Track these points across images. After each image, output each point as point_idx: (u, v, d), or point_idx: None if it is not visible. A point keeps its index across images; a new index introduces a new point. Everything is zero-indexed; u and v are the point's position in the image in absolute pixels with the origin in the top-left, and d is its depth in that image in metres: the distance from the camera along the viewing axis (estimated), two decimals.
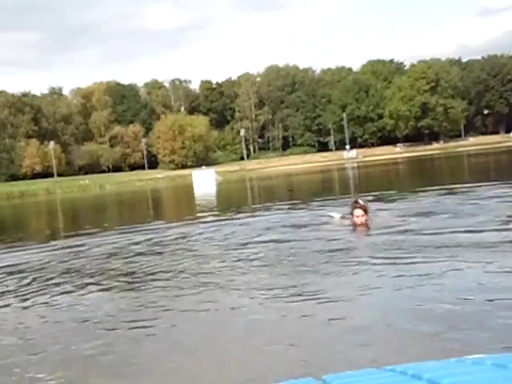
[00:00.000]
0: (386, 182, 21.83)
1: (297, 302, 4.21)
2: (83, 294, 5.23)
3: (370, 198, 11.29)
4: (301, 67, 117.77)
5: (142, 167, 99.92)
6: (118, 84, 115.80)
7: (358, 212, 7.29)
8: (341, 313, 3.85)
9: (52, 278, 6.17)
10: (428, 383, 1.23)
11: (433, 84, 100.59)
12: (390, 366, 1.46)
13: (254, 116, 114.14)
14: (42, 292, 5.48)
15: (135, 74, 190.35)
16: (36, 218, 24.04)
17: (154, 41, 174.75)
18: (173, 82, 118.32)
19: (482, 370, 1.30)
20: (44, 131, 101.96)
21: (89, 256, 7.66)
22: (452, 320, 3.44)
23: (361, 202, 7.44)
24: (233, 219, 10.83)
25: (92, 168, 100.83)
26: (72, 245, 9.07)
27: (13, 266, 7.46)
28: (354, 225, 7.39)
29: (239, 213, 12.50)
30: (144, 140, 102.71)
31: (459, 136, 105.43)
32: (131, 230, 10.62)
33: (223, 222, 10.38)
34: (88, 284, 5.68)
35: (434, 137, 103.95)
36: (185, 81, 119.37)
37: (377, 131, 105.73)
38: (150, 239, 8.82)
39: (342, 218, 7.94)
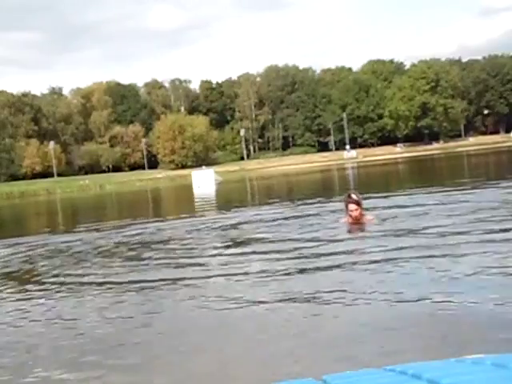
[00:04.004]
0: (386, 182, 21.83)
1: (289, 301, 4.22)
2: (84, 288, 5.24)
3: (368, 196, 11.30)
4: (301, 67, 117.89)
5: (142, 167, 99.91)
6: (118, 84, 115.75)
7: (352, 206, 7.46)
8: (338, 316, 3.85)
9: (48, 271, 6.18)
10: (428, 383, 1.22)
11: (433, 84, 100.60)
12: (390, 366, 1.45)
13: (254, 116, 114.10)
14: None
15: (135, 74, 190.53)
16: (36, 217, 24.02)
17: (155, 41, 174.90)
18: (173, 81, 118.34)
19: (482, 370, 1.30)
20: (44, 131, 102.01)
21: (89, 251, 7.67)
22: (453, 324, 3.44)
23: (353, 196, 7.58)
24: (231, 218, 10.82)
25: (92, 168, 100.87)
26: (73, 240, 9.09)
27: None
28: (350, 218, 7.54)
29: (238, 212, 12.50)
30: (144, 140, 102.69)
31: (459, 136, 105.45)
32: (128, 228, 10.61)
33: (221, 222, 10.37)
34: (88, 278, 5.69)
35: (434, 137, 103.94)
36: (185, 81, 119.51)
37: (377, 131, 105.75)
38: (147, 237, 8.82)
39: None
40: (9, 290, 5.77)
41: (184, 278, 5.35)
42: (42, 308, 4.83)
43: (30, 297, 5.34)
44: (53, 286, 5.63)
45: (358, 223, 7.50)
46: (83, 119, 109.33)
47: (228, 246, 7.32)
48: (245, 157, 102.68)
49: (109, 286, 5.39)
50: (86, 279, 5.88)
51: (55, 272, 6.48)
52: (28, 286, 5.84)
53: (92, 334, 3.90)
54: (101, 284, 5.51)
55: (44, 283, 5.88)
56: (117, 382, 3.07)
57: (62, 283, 5.76)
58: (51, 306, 4.83)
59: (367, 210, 8.29)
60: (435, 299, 3.81)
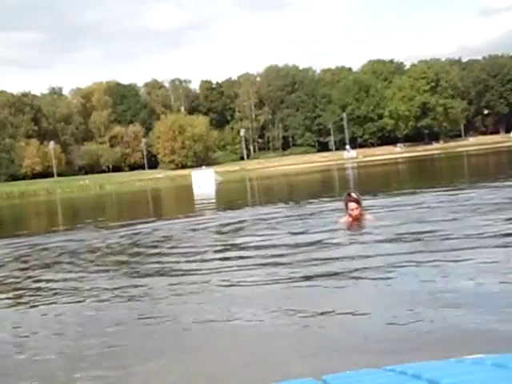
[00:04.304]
0: (386, 182, 21.78)
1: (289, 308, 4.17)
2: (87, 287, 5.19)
3: (368, 197, 11.26)
4: (301, 67, 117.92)
5: (142, 167, 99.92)
6: (118, 84, 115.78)
7: (352, 205, 7.50)
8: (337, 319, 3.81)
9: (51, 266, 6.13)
10: (428, 383, 1.22)
11: (433, 84, 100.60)
12: (390, 365, 1.45)
13: (254, 116, 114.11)
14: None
15: (135, 74, 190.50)
16: (35, 217, 23.99)
17: (155, 41, 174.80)
18: (173, 81, 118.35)
19: (482, 370, 1.30)
20: (44, 131, 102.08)
21: (82, 252, 7.63)
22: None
23: (353, 195, 7.65)
24: (230, 219, 10.77)
25: (92, 168, 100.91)
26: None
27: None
28: (349, 217, 7.56)
29: (237, 212, 12.45)
30: (144, 140, 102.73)
31: (459, 136, 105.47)
32: (126, 228, 10.56)
33: (221, 222, 10.33)
34: (89, 276, 5.63)
35: (434, 137, 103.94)
36: (185, 81, 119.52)
37: (377, 131, 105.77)
38: (144, 238, 8.78)
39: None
40: None
41: (178, 282, 5.28)
42: (30, 314, 4.73)
43: (15, 302, 5.27)
44: (36, 292, 5.53)
45: (357, 222, 7.48)
46: (83, 119, 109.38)
47: (225, 249, 7.26)
48: (245, 157, 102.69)
49: (99, 290, 5.30)
50: (75, 283, 5.78)
51: (40, 275, 6.38)
52: (14, 292, 5.76)
53: (80, 341, 3.82)
54: (91, 289, 5.40)
55: (29, 288, 5.78)
56: None
57: (38, 288, 5.65)
58: (40, 313, 4.71)
59: (368, 209, 8.26)
60: (436, 305, 3.76)
